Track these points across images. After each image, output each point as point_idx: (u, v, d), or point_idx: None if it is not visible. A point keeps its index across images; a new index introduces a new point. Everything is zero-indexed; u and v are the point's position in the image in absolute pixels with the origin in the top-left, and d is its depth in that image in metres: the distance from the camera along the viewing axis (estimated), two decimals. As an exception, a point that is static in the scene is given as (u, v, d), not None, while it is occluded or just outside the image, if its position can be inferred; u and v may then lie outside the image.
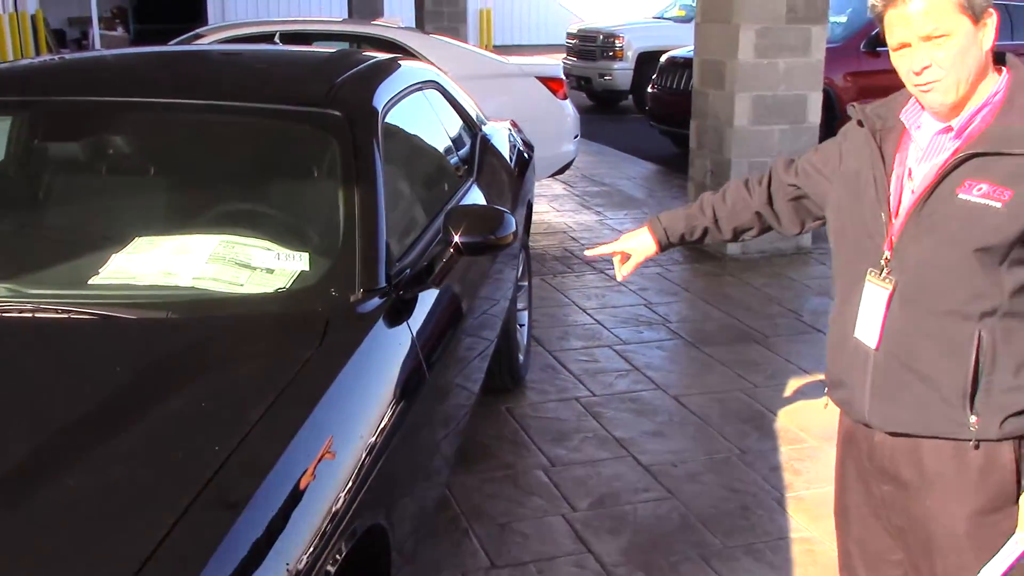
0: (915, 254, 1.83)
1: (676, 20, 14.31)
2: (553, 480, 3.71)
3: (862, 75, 9.60)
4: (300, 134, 2.88)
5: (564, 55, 15.20)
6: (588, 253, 2.52)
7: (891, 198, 1.88)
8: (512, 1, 29.76)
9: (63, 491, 1.60)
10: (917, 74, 1.74)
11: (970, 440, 1.83)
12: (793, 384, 4.57)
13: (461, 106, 4.09)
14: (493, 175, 4.06)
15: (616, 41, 14.04)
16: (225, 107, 2.92)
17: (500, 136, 4.52)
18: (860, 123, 1.98)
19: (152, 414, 1.81)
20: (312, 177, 2.88)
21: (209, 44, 6.89)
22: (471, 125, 4.12)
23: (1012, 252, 1.75)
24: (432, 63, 6.53)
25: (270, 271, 2.44)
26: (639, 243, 2.36)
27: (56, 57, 3.80)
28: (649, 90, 11.04)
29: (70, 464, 1.66)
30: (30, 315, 2.23)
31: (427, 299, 2.68)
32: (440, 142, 3.73)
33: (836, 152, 2.09)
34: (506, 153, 4.45)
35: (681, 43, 10.97)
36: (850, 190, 1.98)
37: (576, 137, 7.46)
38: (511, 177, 4.37)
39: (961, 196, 1.76)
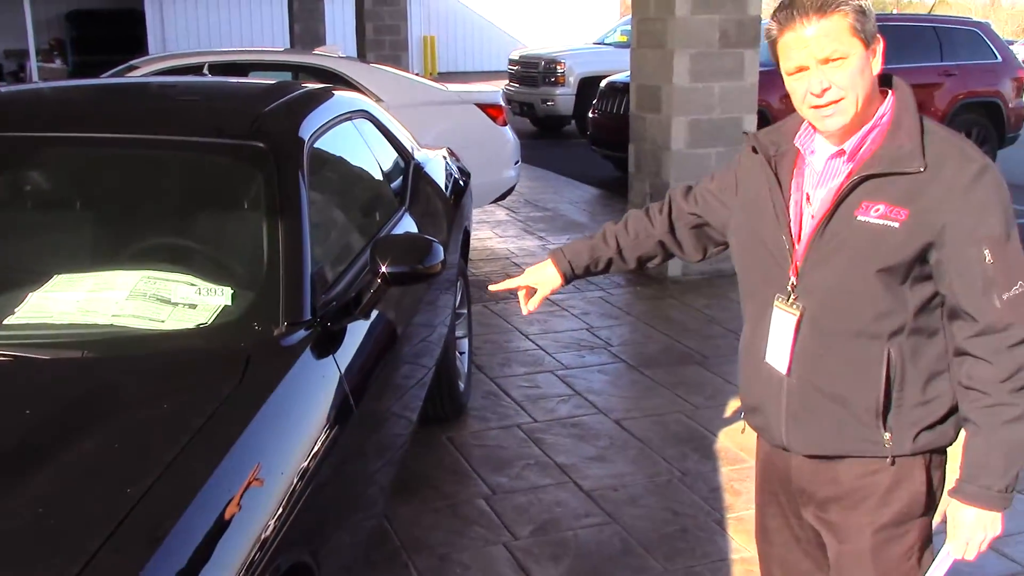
0: (820, 278, 1.85)
1: (617, 45, 14.46)
2: (494, 508, 3.68)
3: (798, 97, 9.75)
4: (224, 166, 2.84)
5: (507, 81, 15.31)
6: (492, 288, 2.43)
7: (791, 223, 1.90)
8: (456, 28, 29.91)
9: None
10: (818, 95, 1.76)
11: (886, 457, 1.87)
12: (732, 404, 4.60)
13: (393, 135, 4.07)
14: (427, 203, 4.04)
15: (558, 67, 14.16)
16: (149, 140, 2.88)
17: (435, 164, 4.51)
18: (754, 149, 1.99)
19: (60, 457, 1.76)
20: (237, 210, 2.84)
21: (142, 76, 6.82)
22: (403, 154, 4.11)
23: (913, 270, 1.79)
24: (371, 92, 6.54)
25: (192, 306, 2.40)
26: (543, 276, 2.30)
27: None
28: (590, 115, 11.14)
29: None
30: (-60, 358, 2.16)
31: (356, 330, 2.65)
32: (371, 171, 3.71)
33: (732, 179, 2.10)
34: (441, 181, 4.44)
35: (622, 68, 11.07)
36: (749, 216, 1.99)
37: (517, 163, 7.48)
38: (446, 205, 4.35)
39: (860, 218, 1.79)
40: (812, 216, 1.87)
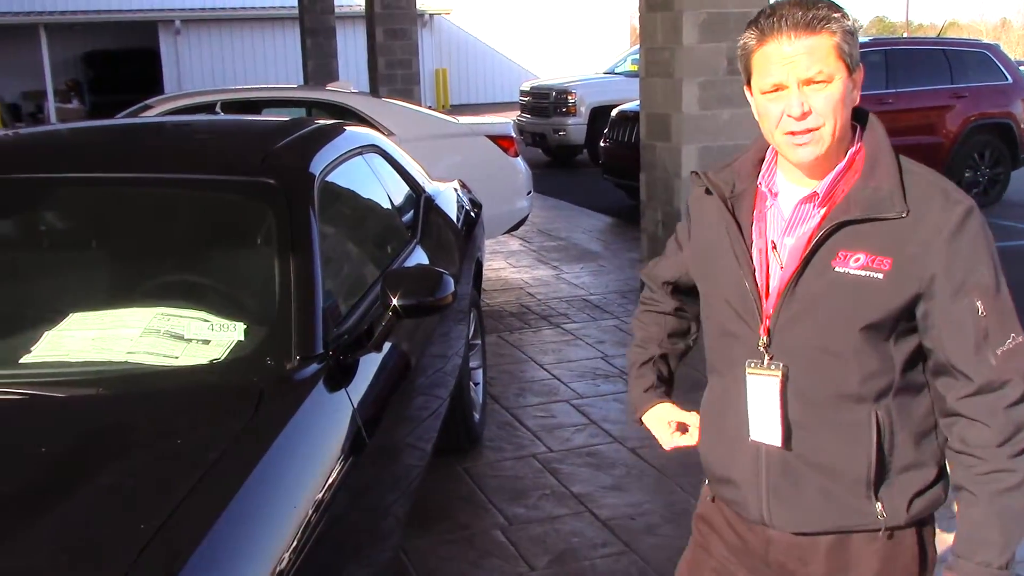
0: (796, 338, 1.66)
1: (627, 75, 14.54)
2: (511, 539, 3.67)
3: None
4: (236, 203, 2.88)
5: (519, 112, 15.39)
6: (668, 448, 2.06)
7: (757, 275, 1.70)
8: (467, 61, 30.16)
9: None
10: (797, 119, 1.58)
11: (879, 529, 1.70)
12: (749, 431, 4.57)
13: (404, 168, 4.11)
14: (438, 235, 4.07)
15: (569, 97, 14.25)
16: (162, 179, 2.93)
17: (446, 196, 4.54)
18: (708, 191, 1.79)
19: (76, 493, 1.78)
20: (249, 246, 2.87)
21: (156, 115, 6.90)
22: (414, 187, 4.14)
23: (899, 325, 1.63)
24: (383, 126, 6.61)
25: (206, 342, 2.42)
26: (662, 418, 2.01)
27: (6, 132, 3.79)
28: (602, 144, 11.19)
29: (-11, 550, 1.62)
30: (-42, 398, 2.19)
31: (369, 363, 2.66)
32: (382, 205, 3.74)
33: (685, 229, 1.92)
34: (452, 213, 4.47)
35: (632, 97, 11.13)
36: (706, 266, 1.80)
37: (529, 193, 7.52)
38: (458, 236, 4.38)
39: (838, 269, 1.61)
40: (781, 267, 1.68)
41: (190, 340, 2.42)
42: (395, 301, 2.63)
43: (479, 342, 4.74)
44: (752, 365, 1.70)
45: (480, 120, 8.18)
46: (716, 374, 1.84)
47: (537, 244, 9.07)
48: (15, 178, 2.96)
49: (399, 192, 3.94)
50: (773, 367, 1.67)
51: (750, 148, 1.80)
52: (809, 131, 1.59)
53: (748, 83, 1.67)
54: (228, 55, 27.97)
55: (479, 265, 4.85)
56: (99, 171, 2.96)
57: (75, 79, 24.63)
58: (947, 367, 1.63)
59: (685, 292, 2.00)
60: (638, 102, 7.30)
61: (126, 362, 2.34)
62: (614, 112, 11.09)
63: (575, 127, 14.17)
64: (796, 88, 1.58)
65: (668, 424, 1.99)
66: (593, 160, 13.73)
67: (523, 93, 15.55)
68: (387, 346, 2.83)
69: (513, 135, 7.51)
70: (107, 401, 2.21)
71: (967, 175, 10.73)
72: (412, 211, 3.98)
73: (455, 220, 4.47)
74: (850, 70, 1.60)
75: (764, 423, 1.71)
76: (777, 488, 1.72)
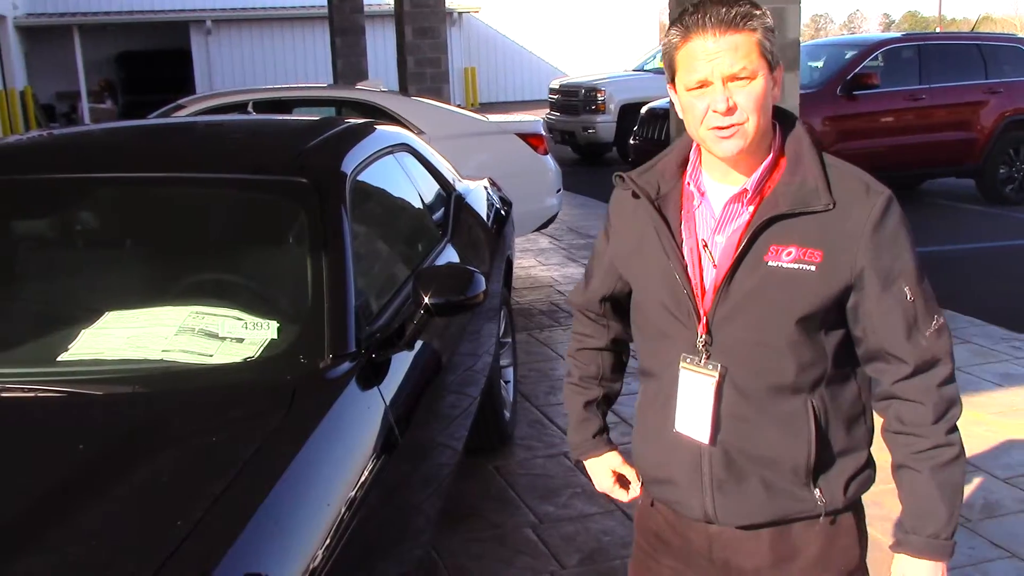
0: (735, 333, 1.68)
1: (656, 72, 14.50)
2: (542, 537, 3.67)
3: (840, 119, 9.71)
4: (268, 202, 2.90)
5: (548, 110, 15.38)
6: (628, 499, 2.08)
7: (690, 272, 1.71)
8: (496, 59, 30.17)
9: (21, 574, 1.58)
10: (723, 114, 1.59)
11: (819, 515, 1.74)
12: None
13: (435, 167, 4.12)
14: (469, 233, 4.08)
15: (598, 95, 14.22)
16: (195, 179, 2.95)
17: (476, 194, 4.55)
18: (635, 195, 1.78)
19: (111, 490, 1.80)
20: (282, 244, 2.89)
21: (188, 115, 6.96)
22: (445, 185, 4.15)
23: (831, 315, 1.67)
24: (413, 124, 6.62)
25: (239, 340, 2.44)
26: (607, 467, 2.05)
27: (41, 133, 3.84)
28: (631, 141, 11.17)
29: (27, 545, 1.64)
30: (-3, 395, 2.22)
31: (401, 361, 2.67)
32: (413, 203, 3.75)
33: (604, 237, 1.92)
34: (483, 211, 4.48)
35: (662, 94, 11.11)
36: (636, 267, 1.81)
37: (558, 191, 7.51)
38: (488, 234, 4.38)
39: (771, 263, 1.64)
40: (714, 265, 1.70)
41: (224, 338, 2.43)
42: (427, 299, 2.63)
43: (509, 340, 4.75)
44: (687, 361, 1.72)
45: (509, 118, 8.18)
46: (650, 376, 1.84)
47: (566, 242, 9.06)
48: (51, 178, 2.99)
49: (430, 190, 3.95)
50: (710, 367, 1.70)
51: (672, 150, 1.81)
52: (734, 126, 1.61)
53: (672, 81, 1.69)
54: (258, 55, 28.16)
55: (509, 263, 4.85)
56: (134, 171, 2.99)
57: (108, 79, 24.88)
58: (880, 353, 1.69)
59: (623, 309, 1.96)
60: (667, 99, 7.27)
61: (161, 360, 2.37)
62: (643, 109, 11.07)
63: (604, 125, 14.15)
64: (720, 84, 1.60)
65: (612, 473, 2.04)
66: (622, 157, 13.70)
67: (552, 91, 15.54)
68: (419, 344, 2.84)
69: (542, 133, 7.50)
70: (143, 399, 2.23)
71: (1001, 171, 10.61)
72: (443, 209, 3.99)
73: (485, 218, 4.48)
74: (771, 67, 1.63)
75: (693, 418, 1.73)
76: (721, 484, 1.74)
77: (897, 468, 1.73)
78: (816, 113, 9.44)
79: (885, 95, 9.93)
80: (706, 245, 1.71)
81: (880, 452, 1.77)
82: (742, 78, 1.59)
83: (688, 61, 1.61)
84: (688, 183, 1.74)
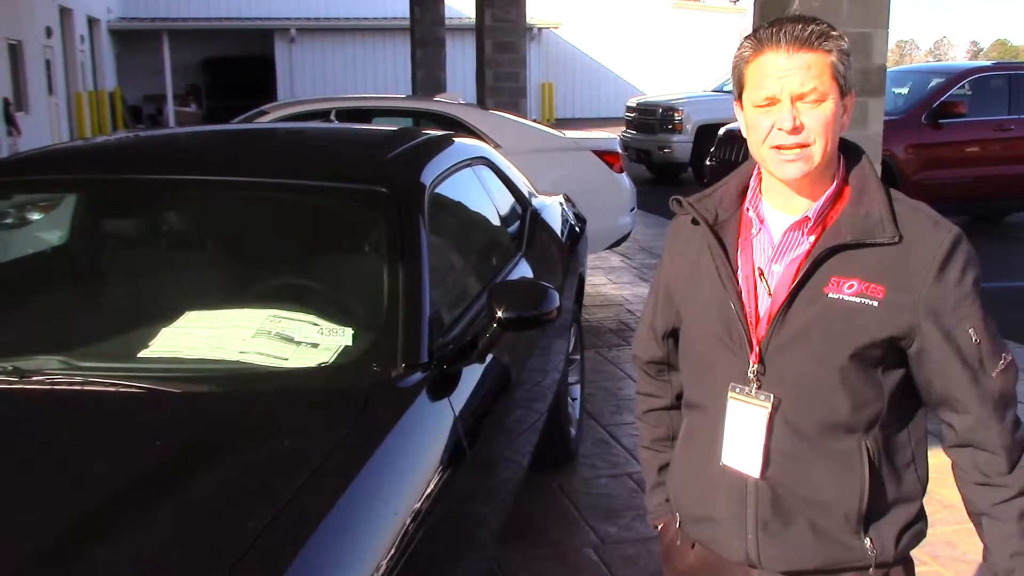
0: (789, 366, 1.62)
1: (735, 93, 14.36)
2: (603, 559, 3.64)
3: (924, 147, 9.52)
4: (349, 210, 2.93)
5: (624, 128, 15.35)
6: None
7: (745, 300, 1.66)
8: (574, 75, 30.22)
9: (98, 565, 1.61)
10: (788, 132, 1.55)
11: (868, 566, 1.66)
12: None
13: (511, 181, 4.13)
14: (543, 249, 4.08)
15: (675, 114, 14.16)
16: (277, 184, 2.99)
17: (551, 210, 4.54)
18: (694, 220, 1.75)
19: (185, 489, 1.82)
20: (360, 252, 2.92)
21: (272, 121, 7.09)
22: (521, 200, 4.16)
23: (889, 353, 1.62)
24: (490, 138, 6.65)
25: (315, 345, 2.46)
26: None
27: (127, 134, 3.95)
28: (707, 162, 11.08)
29: (105, 537, 1.67)
30: (79, 388, 2.27)
31: (471, 373, 2.67)
32: (489, 217, 3.77)
33: (662, 264, 1.89)
34: (557, 227, 4.47)
35: (740, 116, 11.03)
36: (690, 293, 1.77)
37: (633, 210, 7.47)
38: (561, 251, 4.38)
39: (831, 296, 1.59)
40: (770, 294, 1.65)
41: (300, 343, 2.46)
42: (500, 313, 2.63)
43: (578, 357, 4.73)
44: (736, 391, 1.66)
45: (586, 135, 8.17)
46: (695, 409, 1.79)
47: (638, 261, 9.02)
48: (136, 179, 3.06)
49: (506, 204, 3.96)
50: (763, 397, 1.64)
51: (732, 178, 1.77)
52: (798, 147, 1.56)
53: (739, 98, 1.64)
54: (339, 64, 28.63)
55: (581, 280, 4.84)
56: (218, 174, 3.05)
57: (194, 84, 25.53)
58: (948, 400, 1.64)
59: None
60: (747, 121, 7.20)
61: (238, 361, 2.40)
62: (721, 131, 10.97)
63: (681, 144, 14.07)
64: (788, 102, 1.55)
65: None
66: (698, 179, 13.60)
67: (629, 109, 15.51)
68: (489, 357, 2.84)
69: (618, 151, 7.49)
70: (219, 399, 2.27)
71: (1091, 208, 10.29)
72: (518, 223, 4.00)
73: (559, 234, 4.47)
74: (843, 92, 1.58)
75: (742, 451, 1.66)
76: (767, 524, 1.67)
77: (978, 515, 1.68)
78: (900, 140, 9.26)
79: (972, 124, 9.71)
80: (762, 273, 1.67)
81: (951, 489, 1.71)
82: (811, 99, 1.55)
83: (757, 76, 1.57)
84: (748, 209, 1.70)
